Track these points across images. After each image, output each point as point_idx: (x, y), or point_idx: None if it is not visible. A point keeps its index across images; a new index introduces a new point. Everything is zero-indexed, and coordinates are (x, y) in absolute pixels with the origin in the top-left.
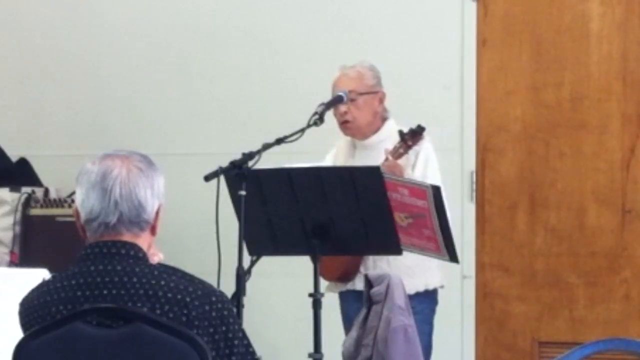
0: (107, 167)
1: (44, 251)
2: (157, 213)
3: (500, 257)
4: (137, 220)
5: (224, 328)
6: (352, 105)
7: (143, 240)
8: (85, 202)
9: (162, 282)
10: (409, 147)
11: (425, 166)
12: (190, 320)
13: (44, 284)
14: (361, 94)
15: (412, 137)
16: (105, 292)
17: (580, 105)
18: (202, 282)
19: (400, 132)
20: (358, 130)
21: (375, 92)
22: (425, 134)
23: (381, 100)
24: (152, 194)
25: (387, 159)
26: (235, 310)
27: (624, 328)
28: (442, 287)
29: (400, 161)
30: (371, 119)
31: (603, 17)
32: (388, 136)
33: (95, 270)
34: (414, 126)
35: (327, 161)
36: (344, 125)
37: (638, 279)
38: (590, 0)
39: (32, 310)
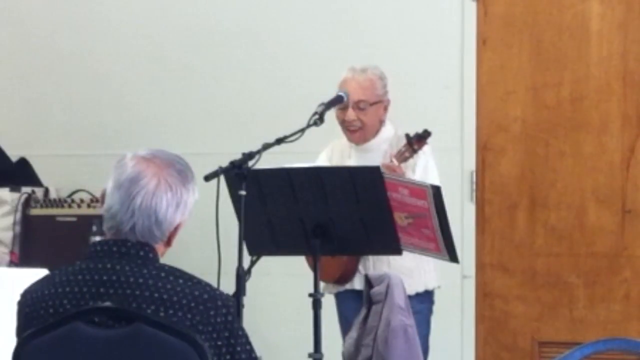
0: (140, 172)
1: (44, 251)
2: (176, 228)
3: (500, 257)
4: (150, 235)
5: (227, 334)
6: (361, 113)
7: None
8: (109, 197)
9: (169, 286)
10: (414, 151)
11: (425, 169)
12: (194, 324)
13: (49, 276)
14: (372, 104)
15: (418, 141)
16: (111, 291)
17: (580, 105)
18: (208, 286)
19: (407, 136)
20: (364, 137)
21: (382, 101)
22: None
23: (386, 108)
24: (174, 211)
25: (391, 161)
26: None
27: (624, 328)
28: (439, 287)
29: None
30: (377, 126)
31: (603, 17)
32: (386, 139)
33: (103, 267)
34: (419, 130)
35: (322, 160)
36: (352, 132)
37: (638, 279)
38: (590, 0)
39: (35, 300)
